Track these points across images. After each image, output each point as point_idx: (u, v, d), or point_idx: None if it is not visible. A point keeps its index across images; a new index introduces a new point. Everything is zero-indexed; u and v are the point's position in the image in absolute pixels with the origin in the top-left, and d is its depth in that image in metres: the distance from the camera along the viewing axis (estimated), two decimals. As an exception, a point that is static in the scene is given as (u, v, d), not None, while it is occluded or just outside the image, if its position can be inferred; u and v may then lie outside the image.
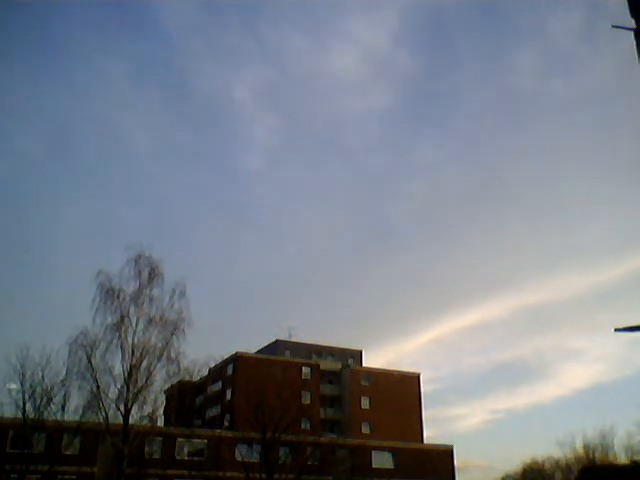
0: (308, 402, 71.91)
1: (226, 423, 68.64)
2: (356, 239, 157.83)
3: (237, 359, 73.20)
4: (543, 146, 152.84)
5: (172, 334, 35.18)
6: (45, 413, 37.45)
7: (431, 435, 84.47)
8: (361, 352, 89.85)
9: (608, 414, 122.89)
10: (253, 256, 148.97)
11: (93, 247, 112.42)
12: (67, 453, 43.28)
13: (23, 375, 36.99)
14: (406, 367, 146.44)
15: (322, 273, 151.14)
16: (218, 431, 56.24)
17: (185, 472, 48.52)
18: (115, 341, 34.30)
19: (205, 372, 57.57)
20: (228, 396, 72.56)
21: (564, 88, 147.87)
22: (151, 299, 35.62)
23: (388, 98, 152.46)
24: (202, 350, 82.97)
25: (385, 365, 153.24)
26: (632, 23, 10.41)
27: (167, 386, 37.37)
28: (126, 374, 33.93)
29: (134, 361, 34.13)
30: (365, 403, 77.52)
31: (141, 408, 34.67)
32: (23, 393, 37.13)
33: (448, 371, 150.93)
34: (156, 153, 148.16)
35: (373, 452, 58.40)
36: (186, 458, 50.89)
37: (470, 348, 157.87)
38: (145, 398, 34.60)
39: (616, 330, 11.97)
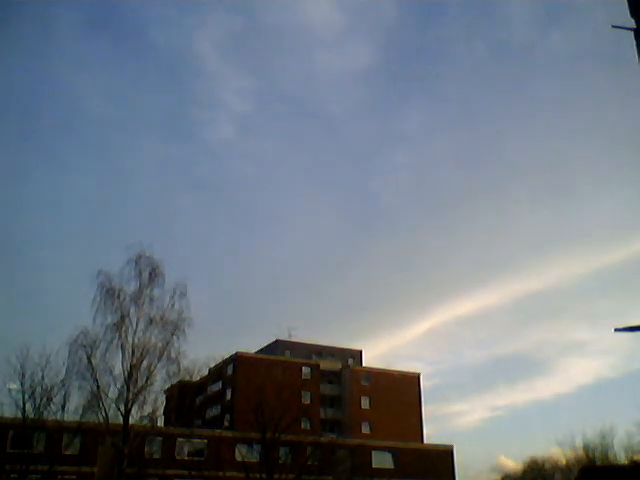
0: (308, 402, 71.91)
1: (226, 423, 68.66)
2: (341, 222, 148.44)
3: (237, 359, 73.22)
4: (543, 112, 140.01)
5: (172, 334, 35.22)
6: (45, 413, 37.50)
7: (430, 433, 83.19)
8: (361, 352, 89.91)
9: (612, 412, 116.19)
10: (228, 240, 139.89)
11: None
12: (67, 453, 43.31)
13: (23, 375, 37.06)
14: (403, 360, 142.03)
15: (306, 262, 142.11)
16: (218, 431, 56.25)
17: (185, 472, 48.51)
18: (115, 341, 34.35)
19: (205, 372, 57.70)
20: (228, 396, 72.57)
21: (563, 41, 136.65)
22: (151, 299, 35.66)
23: (370, 54, 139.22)
24: (202, 350, 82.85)
25: (381, 357, 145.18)
26: (632, 23, 10.41)
27: (167, 386, 37.40)
28: (126, 374, 33.94)
29: (134, 361, 34.14)
30: (365, 403, 77.54)
31: (141, 408, 34.72)
32: (23, 393, 37.20)
33: (447, 366, 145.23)
34: (119, 121, 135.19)
35: (373, 452, 58.39)
36: (186, 458, 50.88)
37: (469, 340, 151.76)
38: (145, 398, 34.64)
39: (616, 330, 11.97)
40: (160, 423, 44.19)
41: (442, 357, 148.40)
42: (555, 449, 73.11)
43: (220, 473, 47.58)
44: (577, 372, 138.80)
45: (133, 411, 34.20)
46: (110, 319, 34.67)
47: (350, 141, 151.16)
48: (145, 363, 34.49)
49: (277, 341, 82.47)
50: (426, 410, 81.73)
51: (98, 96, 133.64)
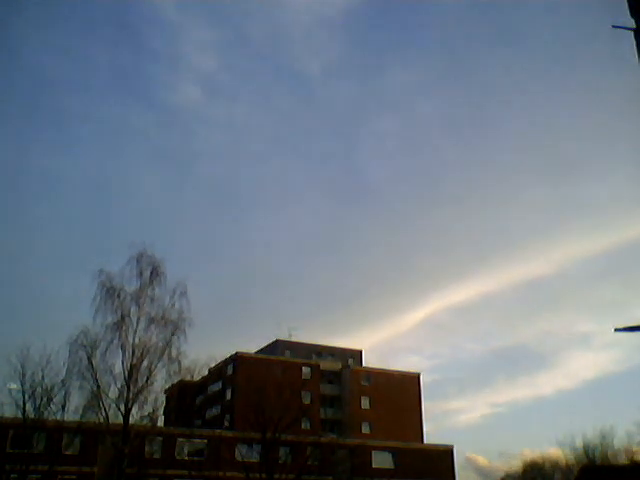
0: (308, 402, 71.89)
1: (226, 423, 68.65)
2: (325, 199, 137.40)
3: (237, 359, 73.22)
4: (542, 64, 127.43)
5: (173, 334, 35.24)
6: (45, 413, 37.51)
7: (428, 430, 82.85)
8: (361, 352, 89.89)
9: (617, 408, 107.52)
10: (200, 223, 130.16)
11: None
12: (67, 453, 43.32)
13: (23, 375, 37.08)
14: (400, 354, 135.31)
15: (289, 247, 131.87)
16: (218, 431, 56.23)
17: (185, 472, 48.50)
18: (115, 341, 34.37)
19: (205, 372, 57.88)
20: (228, 396, 72.57)
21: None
22: (152, 299, 35.66)
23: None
24: (202, 350, 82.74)
25: (377, 350, 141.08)
26: (632, 23, 10.43)
27: (167, 386, 37.41)
28: (126, 374, 33.94)
29: (134, 361, 34.15)
30: (365, 403, 77.50)
31: (141, 408, 34.74)
32: (23, 393, 37.20)
33: (446, 360, 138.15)
34: (74, 84, 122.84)
35: (373, 452, 58.35)
36: (186, 458, 50.85)
37: (468, 332, 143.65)
38: (145, 398, 34.65)
39: (616, 330, 11.99)
40: (160, 423, 44.20)
41: (441, 350, 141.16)
42: (555, 449, 73.13)
43: (220, 473, 47.62)
44: (580, 366, 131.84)
45: (133, 411, 34.24)
46: (110, 319, 34.74)
47: (329, 105, 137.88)
48: (145, 363, 34.54)
49: (277, 341, 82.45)
50: (425, 407, 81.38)
51: (41, 49, 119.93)
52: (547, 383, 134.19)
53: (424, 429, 78.12)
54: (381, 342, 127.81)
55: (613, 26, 10.37)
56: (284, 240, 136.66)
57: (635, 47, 10.26)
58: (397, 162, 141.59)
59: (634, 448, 63.34)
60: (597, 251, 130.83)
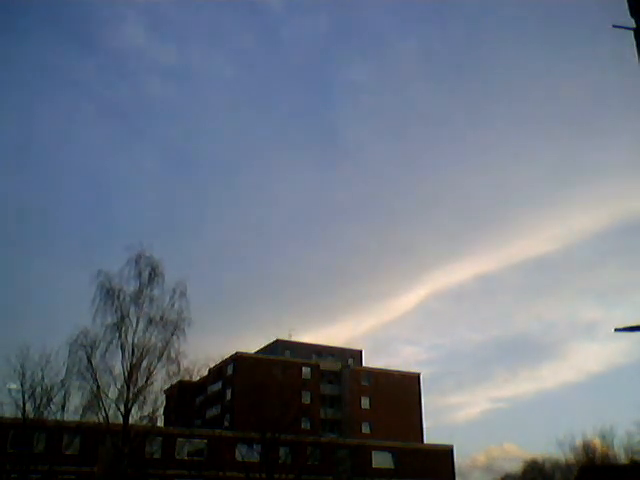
0: (308, 402, 71.95)
1: (226, 423, 68.66)
2: (297, 165, 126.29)
3: (237, 359, 73.20)
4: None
5: (172, 334, 35.26)
6: (45, 413, 37.55)
7: (427, 427, 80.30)
8: (361, 352, 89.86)
9: (625, 403, 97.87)
10: (159, 192, 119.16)
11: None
12: (67, 453, 43.32)
13: (23, 375, 37.15)
14: (397, 345, 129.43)
15: (256, 224, 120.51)
16: (218, 431, 56.19)
17: (185, 472, 48.48)
18: (115, 341, 34.41)
19: (205, 372, 57.77)
20: (228, 396, 72.58)
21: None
22: (151, 299, 35.69)
23: None
24: (202, 350, 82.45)
25: (372, 340, 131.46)
26: (632, 23, 10.42)
27: (167, 386, 37.39)
28: (126, 374, 33.96)
29: (134, 361, 34.17)
30: (365, 403, 77.50)
31: (141, 408, 34.74)
32: (23, 393, 37.25)
33: (444, 352, 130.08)
34: None
35: (373, 452, 58.32)
36: (186, 458, 50.84)
37: (466, 319, 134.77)
38: (145, 398, 34.66)
39: (616, 330, 11.97)
40: (160, 423, 44.15)
41: (439, 341, 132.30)
42: (555, 448, 73.05)
43: (220, 473, 47.58)
44: (586, 358, 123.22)
45: (133, 411, 34.26)
46: (110, 319, 34.77)
47: (295, 51, 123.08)
48: (145, 363, 34.57)
49: (277, 341, 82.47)
50: (423, 402, 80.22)
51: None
52: (550, 376, 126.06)
53: (424, 429, 78.20)
54: (372, 330, 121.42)
55: (613, 26, 10.36)
56: (248, 213, 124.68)
57: (635, 47, 10.26)
58: (375, 120, 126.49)
59: (634, 448, 63.37)
60: (604, 226, 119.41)
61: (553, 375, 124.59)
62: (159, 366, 34.83)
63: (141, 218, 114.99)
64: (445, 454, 62.22)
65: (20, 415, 37.32)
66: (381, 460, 58.08)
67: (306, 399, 72.16)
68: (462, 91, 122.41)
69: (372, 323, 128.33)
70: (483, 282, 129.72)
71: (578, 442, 66.89)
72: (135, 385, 34.00)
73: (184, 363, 35.31)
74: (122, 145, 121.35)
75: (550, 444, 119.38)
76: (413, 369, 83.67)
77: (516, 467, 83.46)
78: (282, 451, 46.53)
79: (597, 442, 66.35)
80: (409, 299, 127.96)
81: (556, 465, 75.32)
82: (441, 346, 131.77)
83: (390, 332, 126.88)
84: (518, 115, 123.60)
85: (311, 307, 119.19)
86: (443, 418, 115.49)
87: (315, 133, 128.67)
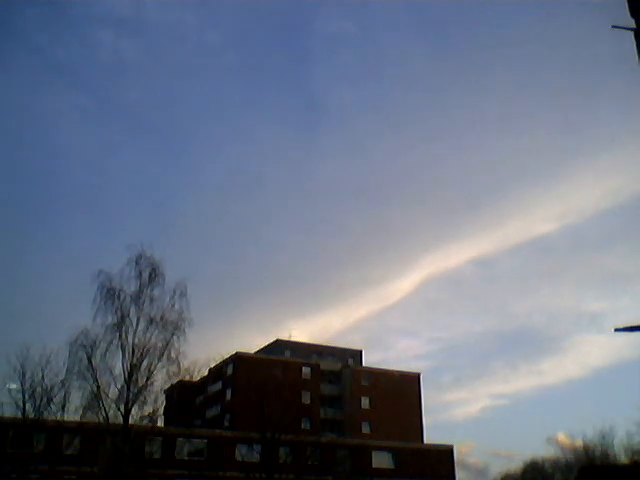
0: (308, 402, 71.96)
1: (226, 423, 68.66)
2: (276, 136, 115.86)
3: (237, 359, 73.20)
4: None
5: (173, 334, 35.22)
6: (45, 413, 37.51)
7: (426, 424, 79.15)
8: (361, 352, 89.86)
9: (632, 400, 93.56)
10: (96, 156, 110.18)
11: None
12: (67, 453, 43.31)
13: (23, 375, 37.13)
14: (395, 336, 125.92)
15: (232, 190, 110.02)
16: (218, 431, 56.25)
17: (185, 472, 48.53)
18: (115, 341, 34.38)
19: (205, 372, 57.83)
20: (228, 396, 72.58)
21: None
22: (152, 299, 35.64)
23: None
24: (202, 350, 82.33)
25: (367, 330, 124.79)
26: (632, 23, 10.42)
27: (167, 386, 37.40)
28: (126, 374, 33.95)
29: (134, 361, 34.16)
30: (365, 403, 77.49)
31: (141, 408, 34.69)
32: (23, 393, 37.23)
33: (443, 345, 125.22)
34: None
35: (373, 452, 58.38)
36: (186, 458, 50.88)
37: (463, 308, 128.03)
38: (145, 398, 34.61)
39: (616, 330, 11.97)
40: (160, 423, 44.14)
41: (437, 334, 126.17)
42: (555, 449, 72.91)
43: (220, 473, 47.63)
44: (591, 352, 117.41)
45: (133, 411, 34.22)
46: (110, 319, 34.73)
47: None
48: (145, 363, 34.54)
49: (277, 341, 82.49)
50: (423, 401, 79.63)
51: None
52: (554, 371, 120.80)
53: (424, 429, 78.21)
54: (367, 319, 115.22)
55: (613, 26, 10.36)
56: (219, 185, 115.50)
57: (635, 47, 10.26)
58: (362, 84, 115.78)
59: (634, 448, 63.40)
60: (608, 205, 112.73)
61: (556, 370, 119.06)
62: (159, 366, 34.84)
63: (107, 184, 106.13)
64: (445, 454, 62.26)
65: (20, 415, 37.30)
66: (381, 460, 58.13)
67: (306, 399, 72.15)
68: (456, 59, 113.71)
69: (366, 311, 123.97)
70: (481, 266, 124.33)
71: (578, 442, 67.03)
72: (135, 385, 33.99)
73: (184, 363, 35.31)
74: (82, 110, 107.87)
75: (550, 443, 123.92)
76: (411, 363, 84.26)
77: (516, 467, 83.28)
78: (282, 451, 46.55)
79: (597, 442, 66.37)
80: (403, 285, 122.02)
81: (556, 465, 75.35)
82: (439, 340, 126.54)
83: (386, 322, 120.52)
84: (514, 87, 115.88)
85: (297, 296, 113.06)
86: (442, 415, 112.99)
87: (292, 95, 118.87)
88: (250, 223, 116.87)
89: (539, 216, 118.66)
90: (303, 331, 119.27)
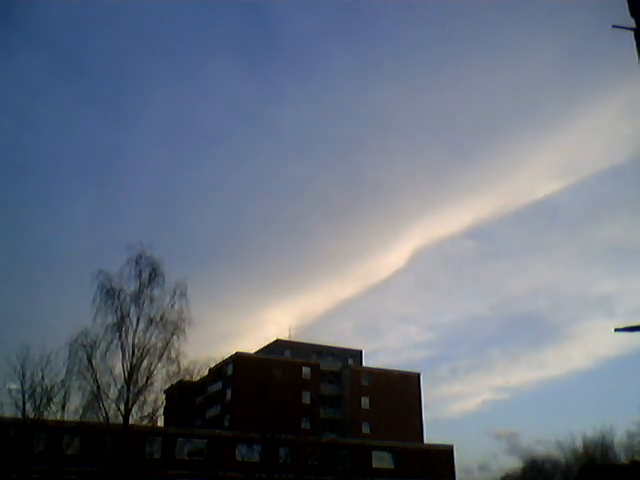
0: (308, 402, 72.00)
1: (226, 423, 68.65)
2: (229, 77, 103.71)
3: (237, 359, 73.20)
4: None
5: (172, 334, 35.27)
6: (45, 413, 37.52)
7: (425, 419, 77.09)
8: (361, 352, 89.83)
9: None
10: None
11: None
12: (67, 453, 43.28)
13: (23, 375, 37.17)
14: (391, 322, 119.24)
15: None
16: (218, 431, 56.25)
17: (185, 472, 48.52)
18: (115, 341, 34.47)
19: (205, 372, 57.87)
20: (228, 396, 72.57)
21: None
22: (152, 299, 35.72)
23: None
24: (202, 350, 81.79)
25: (361, 317, 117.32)
26: (632, 23, 10.43)
27: (167, 386, 37.42)
28: (126, 374, 33.98)
29: (134, 361, 34.20)
30: (365, 403, 77.48)
31: (141, 408, 34.73)
32: (23, 393, 37.26)
33: (443, 333, 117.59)
34: None
35: (373, 452, 58.35)
36: (186, 458, 50.86)
37: (465, 289, 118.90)
38: (145, 398, 34.69)
39: (616, 330, 11.96)
40: (160, 423, 44.16)
41: (433, 318, 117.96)
42: (555, 448, 72.71)
43: (220, 473, 47.62)
44: (599, 340, 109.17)
45: (133, 411, 34.25)
46: (110, 319, 34.81)
47: None
48: (145, 363, 34.60)
49: (277, 341, 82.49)
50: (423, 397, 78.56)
51: None
52: (559, 361, 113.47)
53: (424, 429, 78.20)
54: (353, 300, 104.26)
55: (613, 26, 10.37)
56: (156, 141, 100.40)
57: (635, 47, 10.27)
58: (331, 15, 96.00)
59: (634, 448, 63.40)
60: (622, 157, 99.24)
61: (561, 360, 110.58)
62: (159, 366, 34.91)
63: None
64: (445, 454, 62.24)
65: (20, 415, 37.30)
66: (381, 460, 58.11)
67: (306, 399, 72.18)
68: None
69: (352, 291, 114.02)
70: (477, 239, 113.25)
71: (578, 442, 67.00)
72: (135, 385, 34.02)
73: (184, 363, 35.39)
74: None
75: (551, 441, 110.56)
76: (405, 353, 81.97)
77: (516, 467, 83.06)
78: (282, 451, 46.56)
79: (597, 442, 66.34)
80: (392, 258, 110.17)
81: (556, 465, 75.30)
82: (436, 326, 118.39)
83: (376, 304, 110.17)
84: (508, 26, 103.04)
85: (271, 275, 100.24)
86: (440, 411, 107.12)
87: (248, 27, 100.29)
88: (200, 188, 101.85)
89: (540, 173, 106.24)
90: (284, 315, 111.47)
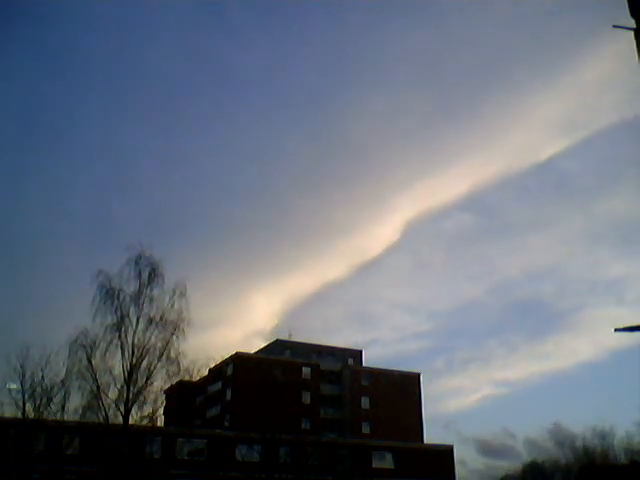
0: (308, 402, 71.99)
1: (226, 423, 68.64)
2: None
3: (237, 359, 73.19)
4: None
5: (172, 334, 35.27)
6: (45, 413, 37.51)
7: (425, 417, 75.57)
8: (361, 352, 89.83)
9: None
10: None
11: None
12: (67, 453, 43.29)
13: (23, 375, 37.15)
14: (387, 309, 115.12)
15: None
16: (218, 431, 56.24)
17: (185, 472, 48.52)
18: (115, 341, 34.48)
19: (205, 372, 57.84)
20: (228, 396, 72.56)
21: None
22: (151, 299, 35.72)
23: None
24: (201, 349, 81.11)
25: (356, 304, 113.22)
26: (632, 23, 10.42)
27: (167, 386, 37.41)
28: (126, 374, 33.99)
29: (134, 361, 34.20)
30: (365, 403, 77.48)
31: (141, 408, 34.75)
32: (23, 393, 37.26)
33: (442, 322, 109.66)
34: None
35: (373, 452, 58.36)
36: (186, 458, 50.85)
37: (459, 270, 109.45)
38: (145, 398, 34.68)
39: (616, 330, 11.95)
40: (160, 423, 44.17)
41: (432, 305, 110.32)
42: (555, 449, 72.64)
43: (220, 473, 47.62)
44: (607, 328, 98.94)
45: (133, 411, 34.27)
46: (110, 319, 34.82)
47: None
48: (145, 363, 34.59)
49: (277, 341, 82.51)
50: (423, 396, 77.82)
51: None
52: (565, 353, 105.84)
53: (424, 429, 78.21)
54: (342, 281, 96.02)
55: (613, 26, 10.37)
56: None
57: (635, 47, 10.26)
58: None
59: (634, 448, 63.37)
60: (629, 116, 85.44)
61: (568, 351, 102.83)
62: (159, 366, 34.88)
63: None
64: (445, 454, 62.25)
65: (20, 415, 37.30)
66: (381, 460, 58.11)
67: (306, 399, 72.20)
68: None
69: (340, 270, 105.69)
70: (476, 209, 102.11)
71: (578, 442, 66.94)
72: (135, 385, 34.03)
73: (184, 363, 35.34)
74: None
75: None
76: (401, 345, 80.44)
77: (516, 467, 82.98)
78: (282, 451, 46.58)
79: (597, 442, 66.27)
80: (382, 233, 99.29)
81: (556, 465, 75.30)
82: (438, 314, 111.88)
83: (368, 286, 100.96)
84: None
85: (248, 254, 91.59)
86: (439, 407, 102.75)
87: None
88: (158, 157, 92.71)
89: (542, 130, 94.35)
90: (269, 301, 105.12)
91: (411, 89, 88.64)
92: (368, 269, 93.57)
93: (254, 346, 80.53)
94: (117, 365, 34.25)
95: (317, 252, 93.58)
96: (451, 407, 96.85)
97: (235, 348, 67.00)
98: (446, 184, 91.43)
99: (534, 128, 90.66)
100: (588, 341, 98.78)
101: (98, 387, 33.93)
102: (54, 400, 37.38)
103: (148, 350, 34.73)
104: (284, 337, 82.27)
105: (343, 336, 73.35)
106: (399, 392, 78.23)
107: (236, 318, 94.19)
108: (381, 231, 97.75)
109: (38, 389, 37.24)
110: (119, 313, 34.94)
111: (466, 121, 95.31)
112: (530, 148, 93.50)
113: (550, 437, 68.13)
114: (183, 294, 36.03)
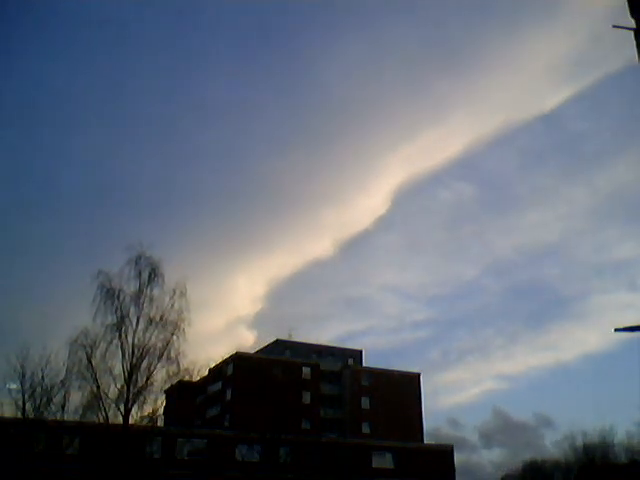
0: (308, 402, 72.01)
1: (226, 423, 68.66)
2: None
3: (237, 359, 73.22)
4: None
5: (172, 334, 35.26)
6: (45, 413, 37.49)
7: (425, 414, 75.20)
8: (361, 352, 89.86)
9: None
10: None
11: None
12: (67, 453, 43.27)
13: (23, 375, 37.07)
14: (382, 294, 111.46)
15: None
16: (218, 431, 56.24)
17: (185, 472, 48.48)
18: (115, 341, 34.46)
19: (205, 372, 57.87)
20: (228, 396, 72.60)
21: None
22: (151, 299, 35.70)
23: None
24: (201, 349, 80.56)
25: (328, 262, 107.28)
26: (632, 23, 10.42)
27: (167, 386, 37.40)
28: (126, 374, 33.99)
29: (134, 361, 34.20)
30: (365, 403, 77.51)
31: (141, 408, 34.75)
32: (23, 393, 37.20)
33: (443, 309, 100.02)
34: None
35: (373, 452, 58.33)
36: (186, 458, 50.81)
37: (457, 251, 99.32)
38: (145, 398, 34.69)
39: (616, 330, 11.95)
40: (160, 423, 44.13)
41: (427, 289, 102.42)
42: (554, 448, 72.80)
43: (220, 473, 47.60)
44: (617, 316, 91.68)
45: (133, 411, 34.27)
46: (110, 319, 34.81)
47: None
48: (145, 363, 34.58)
49: (277, 341, 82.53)
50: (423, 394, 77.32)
51: None
52: (570, 343, 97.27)
53: (424, 429, 78.23)
54: (328, 259, 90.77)
55: (613, 26, 10.37)
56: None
57: (635, 47, 10.27)
58: None
59: (634, 448, 63.35)
60: None
61: (573, 341, 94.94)
62: (159, 366, 34.88)
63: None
64: (445, 454, 62.22)
65: (20, 415, 37.28)
66: (381, 460, 58.07)
67: (306, 399, 72.23)
68: None
69: (326, 245, 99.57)
70: (470, 174, 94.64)
71: (578, 442, 66.92)
72: (135, 385, 34.03)
73: (184, 363, 35.35)
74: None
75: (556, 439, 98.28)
76: (398, 335, 79.59)
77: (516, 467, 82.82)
78: (282, 451, 46.57)
79: (597, 442, 66.23)
80: (369, 202, 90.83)
81: (556, 465, 75.27)
82: (439, 301, 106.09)
83: (357, 263, 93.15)
84: None
85: (223, 230, 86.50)
86: (438, 403, 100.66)
87: None
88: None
89: (546, 74, 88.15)
90: (252, 283, 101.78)
91: (398, 32, 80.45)
92: (356, 246, 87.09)
93: (240, 336, 77.98)
94: (117, 365, 34.29)
95: (298, 226, 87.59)
96: (449, 401, 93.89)
97: (220, 337, 64.35)
98: (439, 144, 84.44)
99: (537, 74, 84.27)
100: (592, 330, 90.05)
101: (98, 387, 33.93)
102: (54, 400, 37.35)
103: (148, 350, 34.75)
104: (284, 337, 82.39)
105: (333, 327, 67.34)
106: (399, 392, 78.22)
107: (216, 304, 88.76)
108: (368, 200, 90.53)
109: (38, 389, 37.20)
110: (119, 313, 34.96)
111: (461, 69, 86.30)
112: (529, 98, 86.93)
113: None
114: (183, 294, 36.06)
